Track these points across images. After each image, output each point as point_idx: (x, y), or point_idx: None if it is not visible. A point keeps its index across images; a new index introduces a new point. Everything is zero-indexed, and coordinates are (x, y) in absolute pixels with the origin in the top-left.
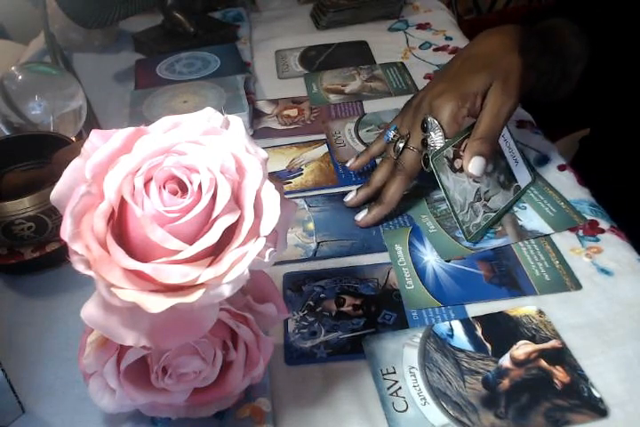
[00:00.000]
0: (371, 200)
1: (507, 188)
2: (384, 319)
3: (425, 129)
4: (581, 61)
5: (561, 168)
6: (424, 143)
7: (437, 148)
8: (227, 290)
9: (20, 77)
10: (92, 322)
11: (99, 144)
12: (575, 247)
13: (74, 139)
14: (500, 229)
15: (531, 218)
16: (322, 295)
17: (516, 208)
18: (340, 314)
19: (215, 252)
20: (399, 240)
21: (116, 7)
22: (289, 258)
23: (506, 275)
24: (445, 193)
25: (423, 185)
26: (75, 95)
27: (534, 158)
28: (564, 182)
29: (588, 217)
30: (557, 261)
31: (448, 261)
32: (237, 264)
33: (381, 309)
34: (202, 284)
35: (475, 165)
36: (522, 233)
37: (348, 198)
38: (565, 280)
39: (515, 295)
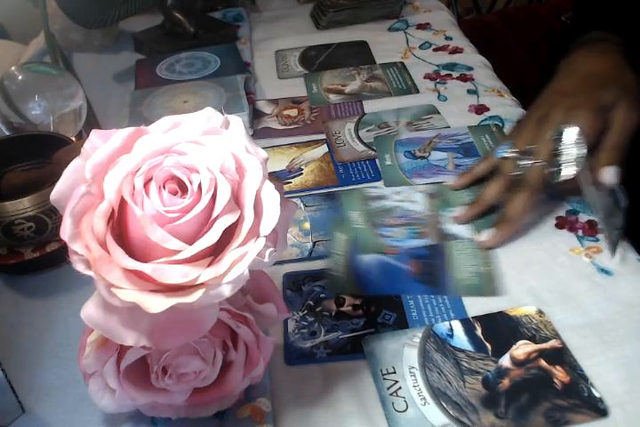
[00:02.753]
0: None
1: (618, 208)
2: (384, 319)
3: (559, 139)
4: None
5: None
6: (556, 155)
7: (579, 157)
8: (227, 290)
9: (20, 77)
10: (92, 322)
11: (99, 144)
12: (575, 247)
13: (74, 139)
14: (423, 230)
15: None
16: (322, 295)
17: (444, 212)
18: (340, 314)
19: (215, 252)
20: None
21: (116, 7)
22: (285, 258)
23: (431, 273)
24: (591, 204)
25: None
26: (75, 95)
27: None
28: None
29: (588, 217)
30: (487, 267)
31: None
32: (237, 264)
33: (381, 308)
34: (202, 284)
35: (611, 173)
36: (443, 235)
37: (456, 214)
38: (485, 285)
39: (431, 293)
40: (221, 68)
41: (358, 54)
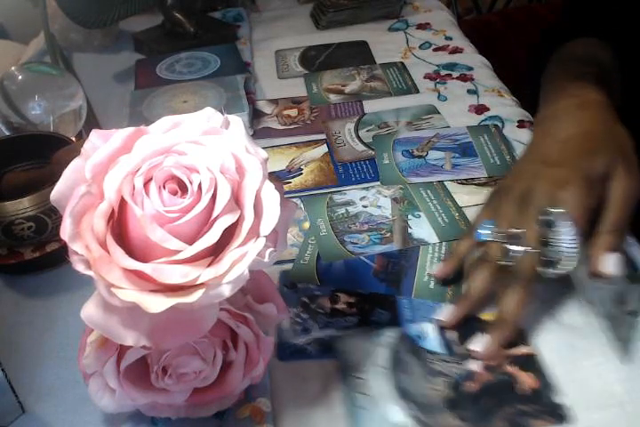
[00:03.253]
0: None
1: (635, 281)
2: (377, 318)
3: (549, 224)
4: (619, 85)
5: None
6: (546, 243)
7: (572, 246)
8: (227, 290)
9: (20, 77)
10: (92, 322)
11: (99, 144)
12: None
13: (74, 139)
14: (387, 235)
15: (421, 226)
16: (317, 292)
17: (410, 216)
18: (334, 311)
19: (215, 252)
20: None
21: (116, 7)
22: (284, 258)
23: (394, 273)
24: (591, 302)
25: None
26: (75, 95)
27: None
28: None
29: None
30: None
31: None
32: (237, 264)
33: (375, 307)
34: (202, 284)
35: (612, 263)
36: (407, 241)
37: (442, 316)
38: (447, 293)
39: (389, 293)
40: (221, 68)
41: (358, 54)
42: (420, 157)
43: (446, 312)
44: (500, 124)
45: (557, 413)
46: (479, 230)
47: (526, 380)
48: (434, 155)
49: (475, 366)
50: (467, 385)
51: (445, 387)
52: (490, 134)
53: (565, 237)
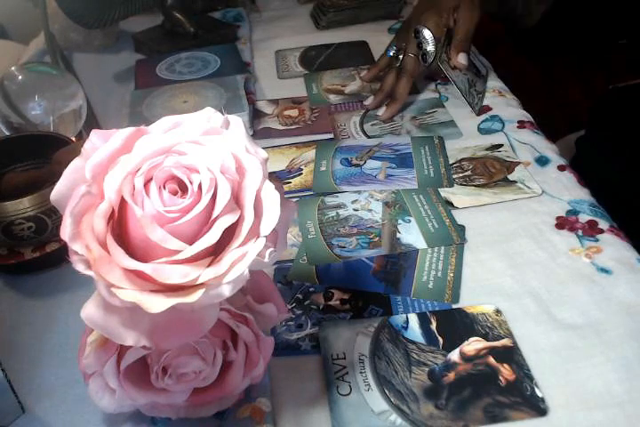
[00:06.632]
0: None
1: (479, 76)
2: (370, 314)
3: (417, 36)
4: None
5: (561, 168)
6: (419, 47)
7: (430, 46)
8: (227, 290)
9: (20, 77)
10: (92, 322)
11: (99, 144)
12: (575, 247)
13: (74, 139)
14: (376, 239)
15: (410, 232)
16: (311, 289)
17: (400, 221)
18: (328, 308)
19: (215, 252)
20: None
21: (116, 7)
22: (284, 258)
23: (393, 273)
24: (454, 82)
25: (322, 193)
26: (75, 95)
27: (534, 158)
28: (564, 182)
29: (588, 217)
30: (452, 274)
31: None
32: (237, 264)
33: (368, 304)
34: (202, 284)
35: (462, 58)
36: (395, 245)
37: (367, 102)
38: (446, 292)
39: (388, 292)
40: (221, 68)
41: (358, 54)
42: (357, 165)
43: (370, 101)
44: (441, 137)
45: (538, 406)
46: (387, 50)
47: (504, 371)
48: (371, 164)
49: (455, 356)
50: (446, 375)
51: (425, 376)
52: (432, 146)
53: (428, 39)
